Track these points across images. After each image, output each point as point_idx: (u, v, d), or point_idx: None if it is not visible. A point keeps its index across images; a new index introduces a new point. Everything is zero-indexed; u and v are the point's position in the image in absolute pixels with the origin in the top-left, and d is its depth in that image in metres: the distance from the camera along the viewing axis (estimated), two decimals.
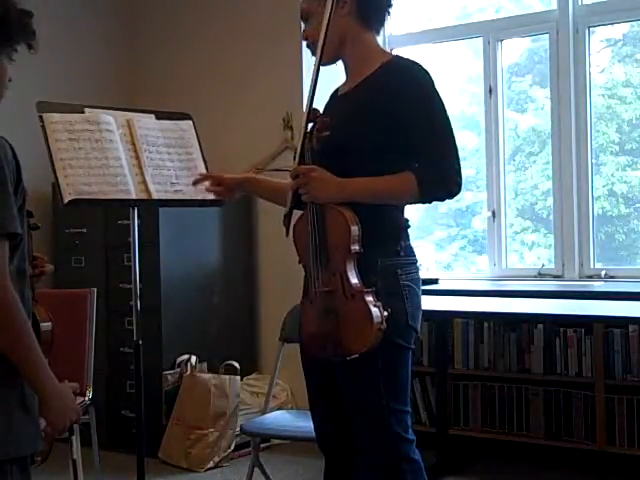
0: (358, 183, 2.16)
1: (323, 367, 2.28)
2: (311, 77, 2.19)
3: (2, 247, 1.64)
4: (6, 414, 1.65)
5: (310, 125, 2.18)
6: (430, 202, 2.27)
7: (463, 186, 2.20)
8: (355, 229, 2.13)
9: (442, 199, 2.23)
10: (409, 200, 2.22)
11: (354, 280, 2.13)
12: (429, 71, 2.22)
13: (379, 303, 2.11)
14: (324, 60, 2.26)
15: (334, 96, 2.40)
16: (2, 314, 1.62)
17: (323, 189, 2.14)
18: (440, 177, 2.14)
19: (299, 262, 2.29)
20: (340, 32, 2.24)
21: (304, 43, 2.36)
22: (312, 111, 2.19)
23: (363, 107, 2.20)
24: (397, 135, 2.17)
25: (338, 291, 2.13)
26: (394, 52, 4.80)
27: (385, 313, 2.10)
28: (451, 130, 2.18)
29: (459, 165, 2.16)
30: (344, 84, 2.37)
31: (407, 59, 2.28)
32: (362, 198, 2.16)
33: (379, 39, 2.36)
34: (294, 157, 2.30)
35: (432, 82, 2.20)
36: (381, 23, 2.33)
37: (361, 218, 2.15)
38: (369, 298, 2.11)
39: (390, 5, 2.32)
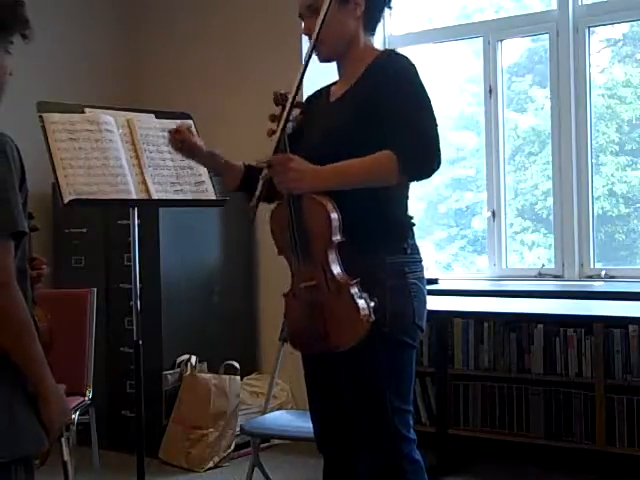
0: (334, 169, 2.08)
1: (324, 365, 2.28)
2: (302, 62, 2.13)
3: (8, 246, 1.63)
4: (11, 413, 1.65)
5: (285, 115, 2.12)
6: (411, 180, 2.16)
7: (463, 186, 2.19)
8: (335, 217, 2.07)
9: (421, 176, 2.12)
10: (389, 179, 2.08)
11: (337, 271, 2.08)
12: (411, 60, 2.18)
13: (365, 294, 2.06)
14: (323, 57, 2.26)
15: (324, 99, 2.35)
16: (8, 314, 1.62)
17: (300, 179, 2.07)
18: (419, 152, 2.05)
19: (278, 254, 2.25)
20: (345, 31, 2.23)
21: (305, 38, 2.28)
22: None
23: (355, 110, 2.17)
24: (379, 123, 2.12)
25: (321, 284, 2.09)
26: None
27: (372, 304, 2.05)
28: (431, 110, 2.10)
29: (438, 142, 2.07)
30: (337, 86, 2.34)
31: (389, 53, 2.26)
32: (341, 184, 2.08)
33: (373, 39, 2.34)
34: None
35: (413, 68, 2.16)
36: (377, 25, 2.32)
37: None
38: (354, 290, 2.06)
39: (390, 7, 2.32)
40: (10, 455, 1.64)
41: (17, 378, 1.68)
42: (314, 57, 2.23)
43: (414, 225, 2.27)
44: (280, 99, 2.19)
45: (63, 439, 3.04)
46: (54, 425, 1.73)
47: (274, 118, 2.21)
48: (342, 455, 2.33)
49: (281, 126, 2.12)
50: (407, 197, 2.27)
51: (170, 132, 2.34)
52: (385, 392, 2.16)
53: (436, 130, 2.09)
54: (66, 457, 3.10)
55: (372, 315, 2.05)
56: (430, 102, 2.13)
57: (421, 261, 2.25)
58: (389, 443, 2.18)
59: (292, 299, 2.20)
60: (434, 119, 2.10)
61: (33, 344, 1.67)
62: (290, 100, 2.13)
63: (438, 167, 2.08)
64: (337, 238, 2.08)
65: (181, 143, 2.32)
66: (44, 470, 1.80)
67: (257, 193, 2.14)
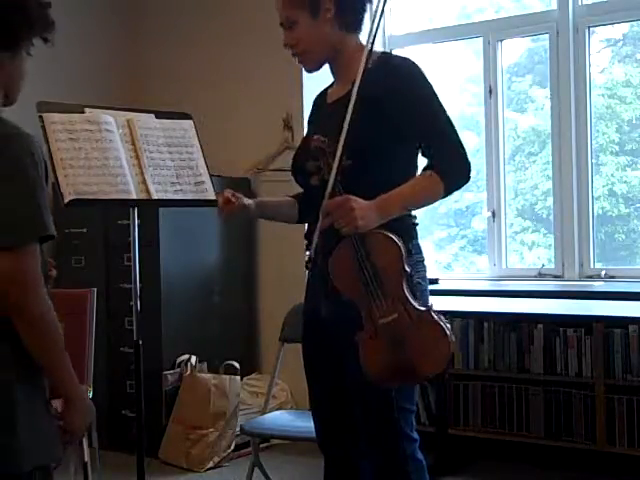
0: (392, 200, 2.10)
1: (327, 368, 2.28)
2: (349, 107, 2.09)
3: (36, 250, 1.63)
4: (35, 420, 1.64)
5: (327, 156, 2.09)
6: (451, 194, 2.21)
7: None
8: (403, 248, 2.08)
9: (459, 188, 2.21)
10: (437, 198, 2.18)
11: (414, 301, 2.08)
12: (418, 64, 2.23)
13: (442, 316, 2.08)
14: (310, 67, 2.28)
15: (322, 103, 2.37)
16: (36, 320, 1.60)
17: (364, 218, 2.05)
18: (457, 165, 2.14)
19: (346, 298, 2.14)
20: (325, 38, 2.24)
21: (289, 52, 2.32)
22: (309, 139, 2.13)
23: (363, 109, 2.18)
24: (400, 130, 2.16)
25: (403, 316, 2.06)
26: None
27: (449, 324, 2.07)
28: (448, 116, 2.19)
29: (463, 144, 2.17)
30: (333, 89, 2.35)
31: (396, 56, 2.29)
32: (398, 213, 2.12)
33: (362, 37, 2.35)
34: (318, 185, 2.13)
35: (424, 74, 2.21)
36: (360, 23, 2.31)
37: None
38: (435, 314, 2.07)
39: (368, 3, 2.31)
40: (32, 465, 1.62)
41: (41, 383, 1.67)
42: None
43: (417, 225, 2.28)
44: (322, 147, 2.11)
45: (84, 440, 3.06)
46: (78, 429, 1.73)
47: (317, 171, 2.13)
48: (344, 455, 2.33)
49: (333, 173, 2.07)
50: None
51: (220, 207, 2.36)
52: (391, 391, 2.16)
53: (459, 136, 2.17)
54: (86, 459, 3.15)
55: (452, 335, 2.07)
56: (445, 109, 2.19)
57: (424, 260, 2.27)
58: (393, 443, 2.18)
59: (371, 340, 2.10)
60: (454, 124, 2.18)
61: (61, 350, 1.65)
62: (340, 146, 2.07)
63: (471, 171, 2.17)
64: (408, 268, 2.09)
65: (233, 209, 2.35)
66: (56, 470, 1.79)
67: (314, 244, 2.11)
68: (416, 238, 2.25)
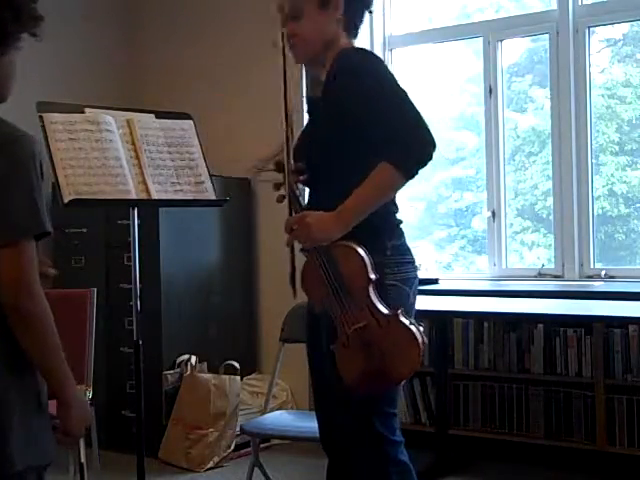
0: (349, 207, 2.08)
1: (329, 368, 2.29)
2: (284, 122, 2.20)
3: (32, 249, 1.60)
4: (27, 421, 1.63)
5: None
6: (416, 174, 2.10)
7: (463, 186, 2.19)
8: (367, 257, 2.09)
9: (424, 164, 2.07)
10: (397, 186, 2.10)
11: (382, 307, 2.09)
12: (368, 51, 2.22)
13: (412, 320, 2.09)
14: (301, 59, 2.30)
15: (311, 100, 2.41)
16: (34, 320, 1.60)
17: (322, 230, 2.09)
18: (411, 149, 2.04)
19: (317, 310, 2.23)
20: (327, 35, 2.24)
21: (288, 41, 2.26)
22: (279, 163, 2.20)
23: (326, 109, 2.23)
24: (358, 125, 2.13)
25: (371, 323, 2.08)
26: (394, 52, 4.82)
27: (421, 328, 2.08)
28: (400, 96, 2.09)
29: (423, 123, 2.05)
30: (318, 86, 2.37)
31: (347, 49, 2.24)
32: (359, 218, 2.10)
33: (357, 41, 2.33)
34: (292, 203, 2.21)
35: (369, 60, 2.17)
36: (359, 27, 2.31)
37: None
38: (403, 319, 2.07)
39: (370, 9, 2.31)
40: (25, 465, 1.61)
41: (33, 383, 1.66)
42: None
43: (399, 224, 2.24)
44: (282, 166, 2.21)
45: (81, 441, 3.06)
46: (76, 431, 1.72)
47: (278, 186, 2.23)
48: (342, 455, 2.33)
49: (286, 189, 2.17)
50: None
51: None
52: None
53: (412, 113, 2.06)
54: (83, 459, 3.15)
55: (425, 338, 2.07)
56: (396, 88, 2.10)
57: (407, 262, 2.22)
58: (372, 446, 2.18)
59: (344, 348, 2.13)
60: (404, 103, 2.08)
61: (55, 350, 1.64)
62: (286, 165, 2.18)
63: (434, 147, 2.05)
64: (373, 276, 2.10)
65: None
66: (51, 470, 1.78)
67: (290, 264, 2.19)
68: (396, 239, 2.21)
